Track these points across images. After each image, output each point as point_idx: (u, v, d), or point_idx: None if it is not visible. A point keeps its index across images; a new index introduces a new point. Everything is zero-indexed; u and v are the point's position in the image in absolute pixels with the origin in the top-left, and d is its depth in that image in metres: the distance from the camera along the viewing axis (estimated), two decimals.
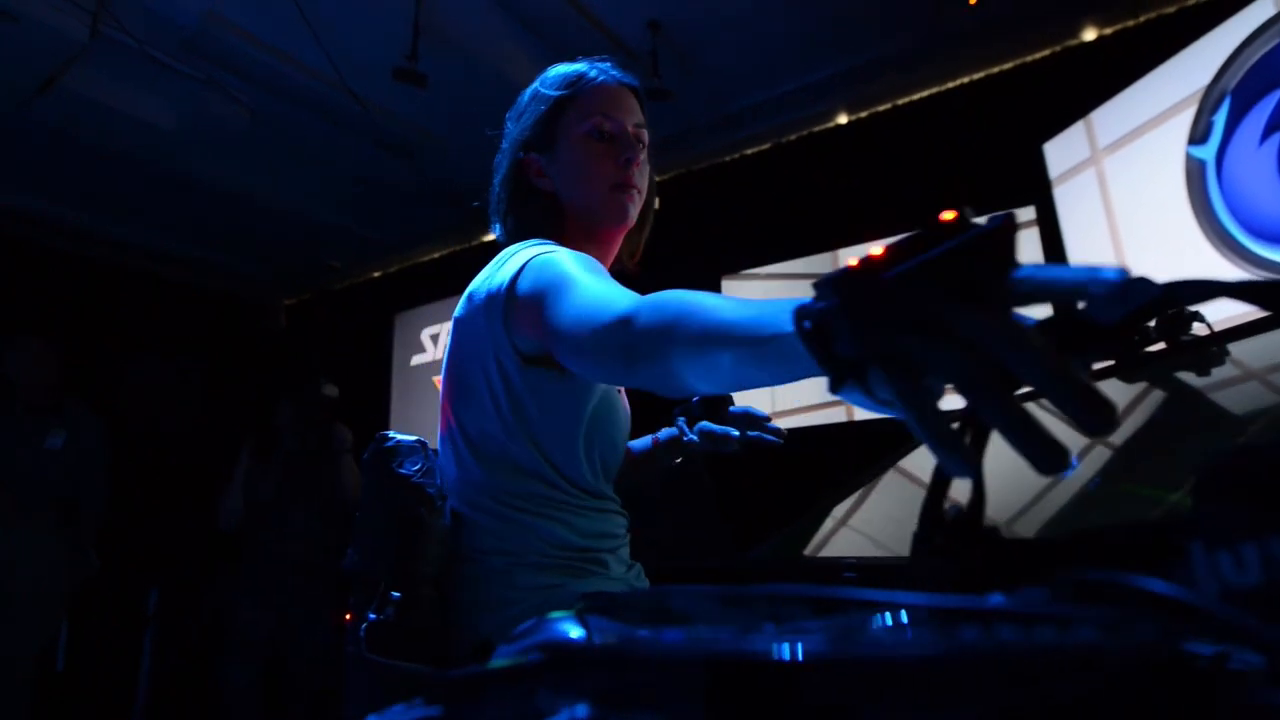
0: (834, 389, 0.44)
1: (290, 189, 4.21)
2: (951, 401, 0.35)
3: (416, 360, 4.66)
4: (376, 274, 5.26)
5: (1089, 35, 3.01)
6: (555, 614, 0.42)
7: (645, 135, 1.04)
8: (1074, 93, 2.83)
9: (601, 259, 1.02)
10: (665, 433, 1.20)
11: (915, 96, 3.43)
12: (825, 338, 0.43)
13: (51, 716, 3.14)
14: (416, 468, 0.87)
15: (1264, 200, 1.93)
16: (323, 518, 3.27)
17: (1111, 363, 1.31)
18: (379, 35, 3.00)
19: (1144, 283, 0.35)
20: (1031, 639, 0.21)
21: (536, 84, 1.06)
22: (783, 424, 1.26)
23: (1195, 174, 2.13)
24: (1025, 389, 0.37)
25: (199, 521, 4.14)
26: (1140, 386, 1.28)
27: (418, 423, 4.48)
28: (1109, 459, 1.19)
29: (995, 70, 3.23)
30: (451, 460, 0.96)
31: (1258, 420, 1.06)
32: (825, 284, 0.43)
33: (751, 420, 1.14)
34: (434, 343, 4.60)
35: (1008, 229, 0.39)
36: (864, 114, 3.57)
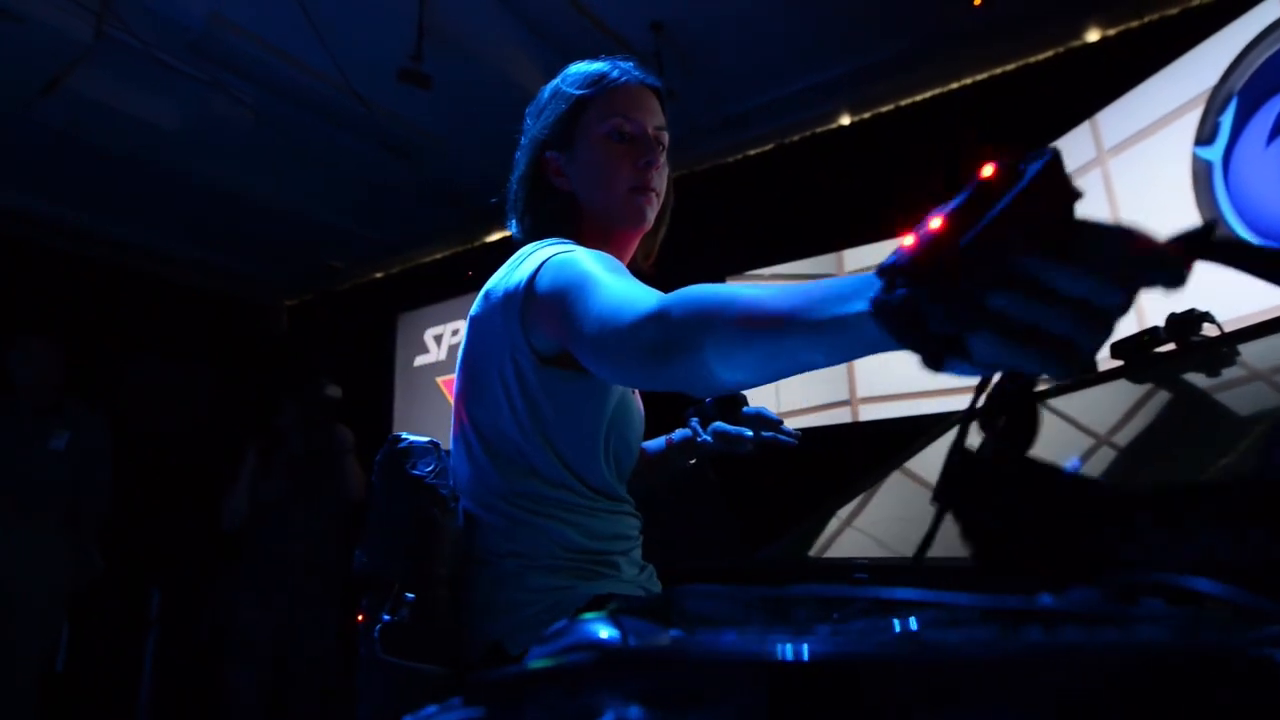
0: (935, 368, 0.44)
1: (293, 190, 4.21)
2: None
3: (420, 361, 4.66)
4: (379, 275, 5.26)
5: (1092, 36, 3.01)
6: (588, 615, 0.42)
7: (665, 137, 1.04)
8: (1078, 94, 2.84)
9: (618, 259, 1.02)
10: (679, 434, 1.20)
11: (918, 97, 3.43)
12: (914, 321, 0.42)
13: (54, 718, 3.13)
14: (430, 469, 0.87)
15: (1271, 201, 1.93)
16: (326, 518, 3.27)
17: (1121, 363, 1.31)
18: (383, 37, 3.00)
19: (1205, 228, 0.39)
20: (1096, 639, 0.21)
21: (558, 81, 1.05)
22: (788, 424, 1.26)
23: (1202, 175, 2.13)
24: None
25: (201, 522, 4.14)
26: (1148, 386, 1.28)
27: (420, 424, 4.48)
28: (1114, 459, 1.18)
29: (998, 71, 3.23)
30: (465, 461, 0.95)
31: (1265, 422, 1.06)
32: (897, 269, 0.43)
33: (765, 421, 1.15)
34: (437, 343, 4.60)
35: (1056, 164, 0.40)
36: (867, 115, 3.57)
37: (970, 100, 3.27)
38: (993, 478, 0.41)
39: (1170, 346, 1.23)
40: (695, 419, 1.16)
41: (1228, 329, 1.18)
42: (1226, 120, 2.10)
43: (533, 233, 1.03)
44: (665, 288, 0.74)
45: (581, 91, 1.01)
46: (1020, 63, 3.18)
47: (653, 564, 1.05)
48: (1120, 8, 2.91)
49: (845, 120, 3.63)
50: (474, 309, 0.97)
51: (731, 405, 1.16)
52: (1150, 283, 0.38)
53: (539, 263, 0.87)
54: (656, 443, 1.23)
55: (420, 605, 0.82)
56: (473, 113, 3.56)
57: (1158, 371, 1.27)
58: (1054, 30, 3.06)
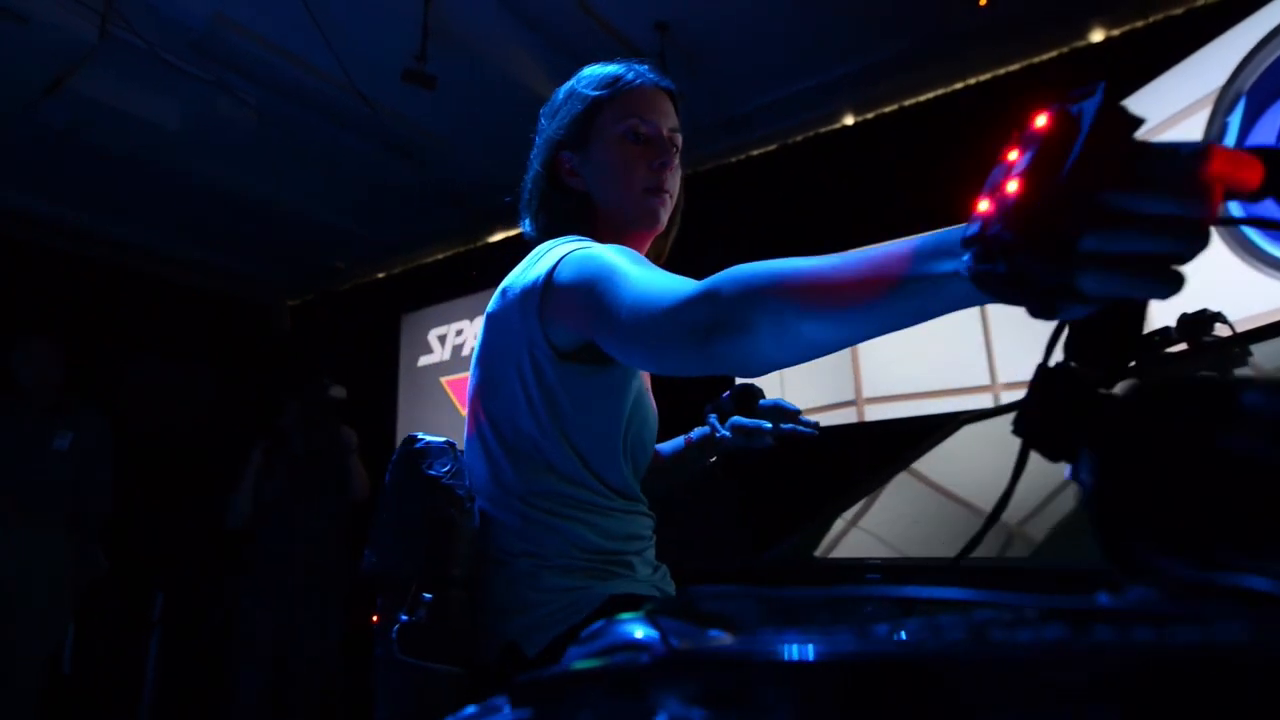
0: (1049, 316, 0.45)
1: (296, 190, 4.21)
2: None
3: (424, 361, 4.66)
4: (381, 275, 5.26)
5: (1097, 36, 3.01)
6: (626, 616, 0.42)
7: (679, 139, 1.04)
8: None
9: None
10: (697, 432, 1.20)
11: (922, 97, 3.43)
12: (1020, 284, 0.43)
13: (57, 718, 3.13)
14: (446, 469, 0.87)
15: None
16: (328, 518, 3.27)
17: (1132, 364, 1.31)
18: (387, 37, 3.00)
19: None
20: (1173, 639, 0.21)
21: (573, 83, 1.06)
22: None
23: None
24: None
25: (204, 523, 4.14)
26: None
27: (425, 424, 4.48)
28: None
29: (1002, 71, 3.23)
30: (481, 459, 0.95)
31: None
32: (993, 240, 0.43)
33: (783, 413, 1.13)
34: (441, 343, 4.60)
35: (1112, 96, 0.41)
36: (871, 115, 3.57)
37: (974, 100, 3.27)
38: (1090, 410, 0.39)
39: (1182, 347, 1.23)
40: (713, 415, 1.15)
41: (1239, 329, 1.18)
42: (1235, 120, 2.09)
43: (546, 232, 1.04)
44: None
45: (597, 92, 1.01)
46: (1024, 63, 3.18)
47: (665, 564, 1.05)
48: (1125, 8, 2.91)
49: (849, 120, 3.63)
50: (490, 306, 0.98)
51: (748, 398, 1.15)
52: (1229, 191, 0.39)
53: (558, 258, 0.87)
54: (675, 442, 1.22)
55: (437, 606, 0.82)
56: (476, 113, 3.56)
57: (1167, 372, 1.27)
58: (1058, 30, 3.06)
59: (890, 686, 0.21)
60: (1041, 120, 0.44)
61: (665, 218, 1.03)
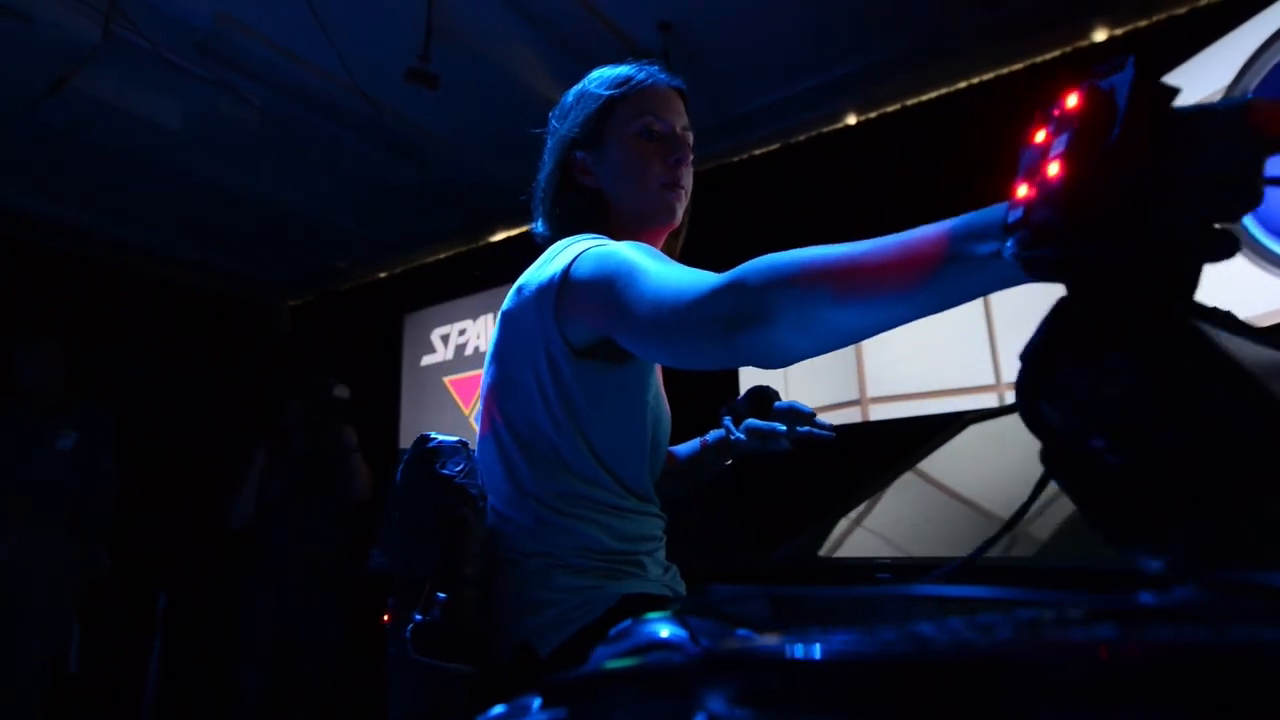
0: (1104, 294, 0.43)
1: (298, 190, 4.21)
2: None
3: (426, 361, 4.66)
4: (382, 275, 5.26)
5: (1100, 36, 3.01)
6: (653, 615, 0.42)
7: (690, 137, 1.05)
8: None
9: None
10: (713, 435, 1.20)
11: (925, 97, 3.43)
12: (1066, 262, 0.42)
13: (60, 719, 3.13)
14: (459, 468, 0.87)
15: None
16: (330, 518, 3.27)
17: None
18: (389, 36, 3.00)
19: None
20: (1228, 637, 0.21)
21: (583, 84, 1.07)
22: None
23: None
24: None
25: (206, 524, 4.14)
26: None
27: (427, 424, 4.48)
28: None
29: (1005, 71, 3.23)
30: (495, 458, 0.95)
31: None
32: (1041, 227, 0.42)
33: (798, 416, 1.13)
34: (444, 343, 4.60)
35: (1143, 70, 0.40)
36: (873, 114, 3.57)
37: (977, 100, 3.27)
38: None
39: None
40: (728, 417, 1.15)
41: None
42: None
43: (560, 231, 1.04)
44: None
45: (610, 91, 1.02)
46: (1027, 62, 3.18)
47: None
48: (1127, 7, 2.91)
49: (851, 120, 3.63)
50: (506, 303, 0.98)
51: (763, 401, 1.15)
52: (1273, 142, 0.39)
53: (575, 255, 0.88)
54: (690, 445, 1.22)
55: (451, 605, 0.82)
56: (478, 113, 3.56)
57: None
58: (1061, 30, 3.06)
59: (947, 686, 0.21)
60: (1073, 100, 0.43)
61: (680, 213, 1.04)
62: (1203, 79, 2.27)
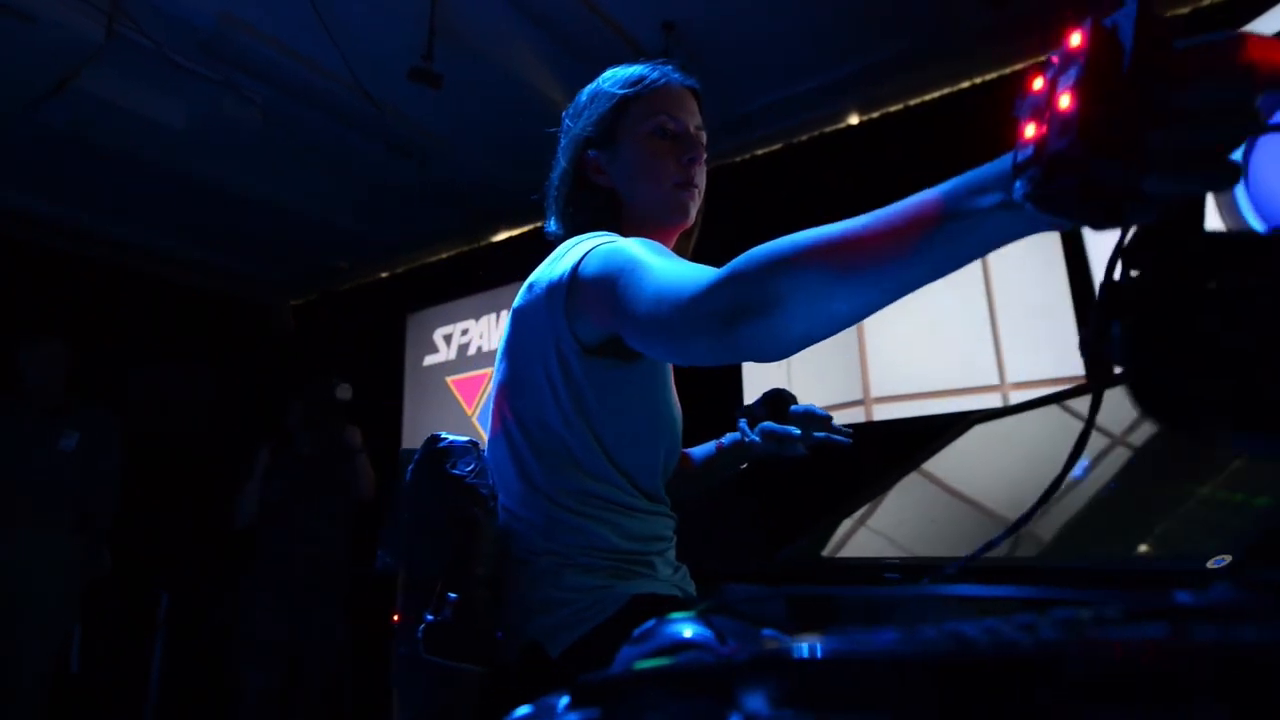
0: (1117, 224, 0.45)
1: (300, 190, 4.20)
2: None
3: (429, 360, 4.66)
4: (384, 274, 5.25)
5: None
6: (677, 615, 0.41)
7: (704, 137, 1.06)
8: None
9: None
10: (729, 437, 1.19)
11: (927, 97, 3.43)
12: (1085, 197, 0.43)
13: (64, 719, 3.13)
14: (470, 468, 0.87)
15: None
16: (333, 518, 3.27)
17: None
18: (393, 36, 2.99)
19: None
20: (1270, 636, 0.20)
21: (597, 83, 1.08)
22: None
23: None
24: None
25: (208, 524, 4.14)
26: None
27: (430, 424, 4.48)
28: (1141, 462, 1.18)
29: (1008, 70, 3.23)
30: (507, 457, 0.95)
31: None
32: (1056, 158, 0.43)
33: (815, 420, 1.12)
34: (447, 343, 4.60)
35: (1146, 5, 0.42)
36: (875, 114, 3.57)
37: (980, 100, 3.27)
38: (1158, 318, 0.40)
39: None
40: (743, 420, 1.13)
41: None
42: None
43: (572, 229, 1.04)
44: None
45: (624, 91, 1.03)
46: (1030, 61, 3.17)
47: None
48: None
49: (854, 120, 3.63)
50: (516, 301, 0.98)
51: (780, 404, 1.13)
52: (1269, 74, 0.41)
53: (583, 253, 0.88)
54: (705, 448, 1.22)
55: (462, 605, 0.82)
56: (480, 113, 3.56)
57: None
58: (1065, 30, 3.05)
59: (998, 685, 0.21)
60: (1077, 38, 0.44)
61: (694, 212, 1.05)
62: None
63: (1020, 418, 1.63)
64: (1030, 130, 0.45)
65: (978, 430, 1.76)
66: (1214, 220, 2.21)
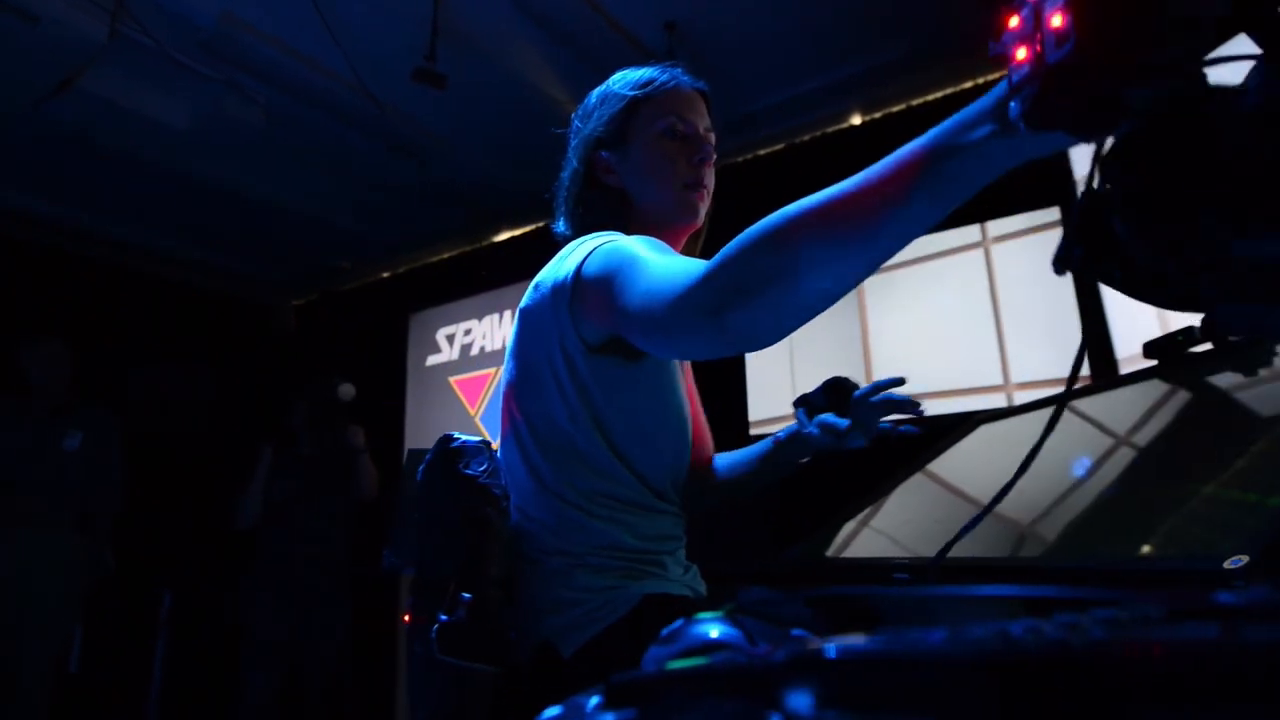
0: (1106, 131, 0.48)
1: (302, 190, 4.20)
2: None
3: (432, 361, 4.65)
4: (385, 274, 5.25)
5: None
6: (705, 615, 0.42)
7: (713, 138, 1.07)
8: None
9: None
10: (785, 430, 1.14)
11: (930, 97, 3.43)
12: (1089, 108, 0.46)
13: (65, 719, 3.13)
14: (483, 468, 0.87)
15: None
16: (335, 518, 3.27)
17: (1155, 363, 1.31)
18: (395, 36, 3.00)
19: None
20: None
21: (606, 85, 1.09)
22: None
23: None
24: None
25: (210, 524, 4.13)
26: (1184, 386, 1.28)
27: (433, 424, 4.47)
28: (1149, 463, 1.18)
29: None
30: (517, 457, 0.96)
31: None
32: (1042, 74, 0.46)
33: (877, 408, 1.04)
34: (449, 343, 4.60)
35: None
36: (878, 114, 3.57)
37: None
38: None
39: (1207, 346, 1.22)
40: (801, 410, 1.06)
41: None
42: None
43: (581, 229, 1.05)
44: None
45: (635, 92, 1.04)
46: None
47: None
48: None
49: (857, 120, 3.63)
50: (523, 301, 0.99)
51: (840, 392, 1.05)
52: None
53: (587, 252, 0.89)
54: (761, 445, 1.17)
55: (476, 605, 0.82)
56: (482, 113, 3.56)
57: (1192, 371, 1.27)
58: None
59: (1049, 686, 0.21)
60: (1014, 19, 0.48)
61: (704, 213, 1.05)
62: (1219, 77, 2.26)
63: (1025, 418, 1.63)
64: (1022, 53, 0.48)
65: (983, 431, 1.76)
66: None
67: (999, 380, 2.75)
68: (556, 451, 0.92)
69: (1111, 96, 0.45)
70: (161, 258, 4.85)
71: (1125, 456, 1.23)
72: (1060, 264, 0.52)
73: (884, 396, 1.05)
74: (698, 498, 1.15)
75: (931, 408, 2.97)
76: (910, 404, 1.04)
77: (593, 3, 3.00)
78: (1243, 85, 0.44)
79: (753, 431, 3.08)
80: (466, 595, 0.81)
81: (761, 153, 3.84)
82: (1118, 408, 1.42)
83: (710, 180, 1.06)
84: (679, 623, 0.41)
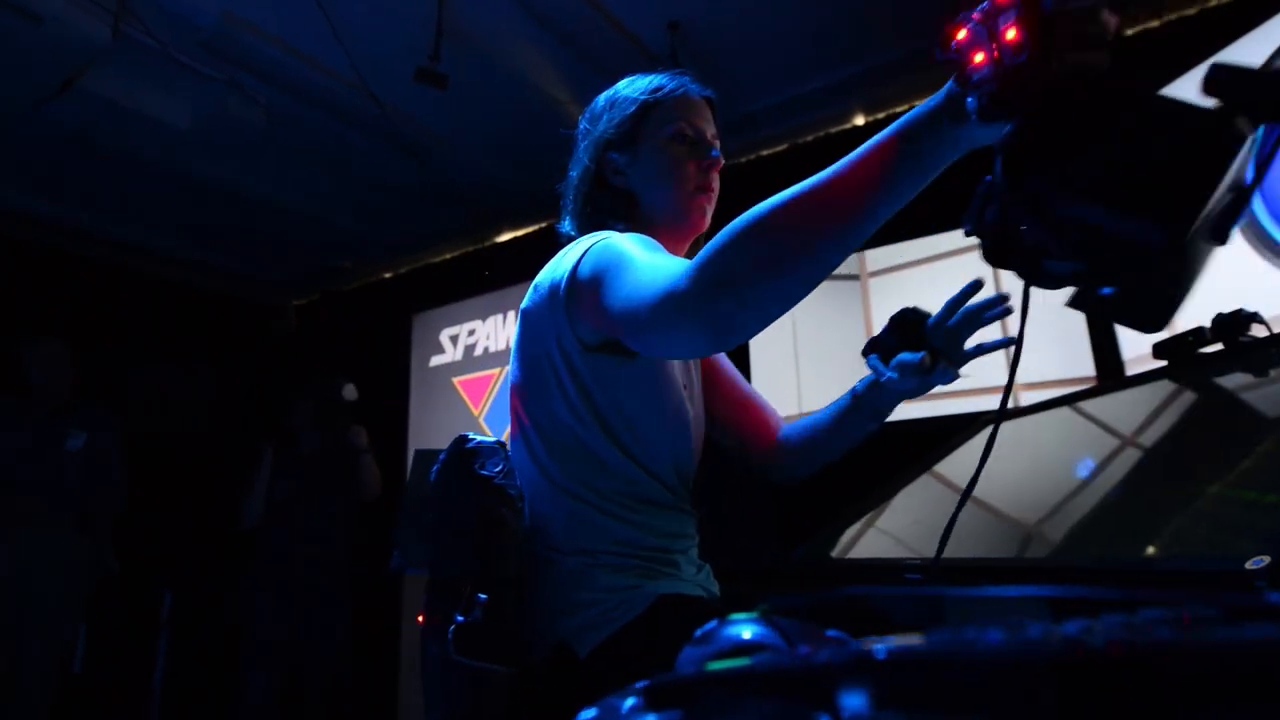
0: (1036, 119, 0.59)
1: (304, 190, 4.20)
2: None
3: (435, 361, 4.64)
4: (387, 275, 5.25)
5: None
6: (737, 616, 0.41)
7: (719, 145, 1.08)
8: None
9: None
10: (862, 382, 1.07)
11: None
12: (1037, 93, 0.58)
13: (68, 719, 3.12)
14: (499, 469, 0.87)
15: None
16: (337, 519, 3.27)
17: (1165, 363, 1.31)
18: (397, 36, 2.99)
19: None
20: None
21: (615, 90, 1.10)
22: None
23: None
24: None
25: (211, 524, 4.13)
26: (1193, 387, 1.28)
27: (436, 425, 4.47)
28: (1157, 463, 1.18)
29: None
30: (525, 457, 0.96)
31: None
32: (1003, 75, 0.59)
33: (957, 330, 0.97)
34: (453, 344, 4.59)
35: None
36: (881, 115, 3.57)
37: None
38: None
39: (1217, 347, 1.22)
40: (874, 357, 0.97)
41: (1277, 329, 1.17)
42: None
43: (586, 228, 1.06)
44: None
45: (645, 96, 1.05)
46: None
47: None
48: (1138, 8, 2.91)
49: (859, 120, 3.63)
50: (524, 302, 1.00)
51: (910, 326, 0.95)
52: None
53: (582, 251, 0.90)
54: (840, 401, 1.11)
55: (492, 606, 0.82)
56: (484, 113, 3.56)
57: (1203, 372, 1.27)
58: None
59: (1125, 686, 0.21)
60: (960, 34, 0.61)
61: (709, 217, 1.07)
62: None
63: (1033, 419, 1.63)
64: (980, 57, 0.60)
65: (989, 431, 1.75)
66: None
67: (1006, 380, 2.74)
68: (564, 450, 0.93)
69: (1044, 87, 0.57)
70: (162, 258, 4.85)
71: (1139, 457, 1.23)
72: (972, 223, 0.63)
73: (964, 313, 1.00)
74: (776, 470, 1.16)
75: (939, 408, 2.97)
76: (996, 302, 0.98)
77: (595, 3, 3.00)
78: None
79: None
80: (483, 596, 0.81)
81: (764, 153, 3.84)
82: (1131, 408, 1.41)
83: (716, 185, 1.07)
84: (712, 623, 0.41)
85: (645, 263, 0.80)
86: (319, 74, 3.26)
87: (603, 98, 1.11)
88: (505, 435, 1.01)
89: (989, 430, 1.61)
